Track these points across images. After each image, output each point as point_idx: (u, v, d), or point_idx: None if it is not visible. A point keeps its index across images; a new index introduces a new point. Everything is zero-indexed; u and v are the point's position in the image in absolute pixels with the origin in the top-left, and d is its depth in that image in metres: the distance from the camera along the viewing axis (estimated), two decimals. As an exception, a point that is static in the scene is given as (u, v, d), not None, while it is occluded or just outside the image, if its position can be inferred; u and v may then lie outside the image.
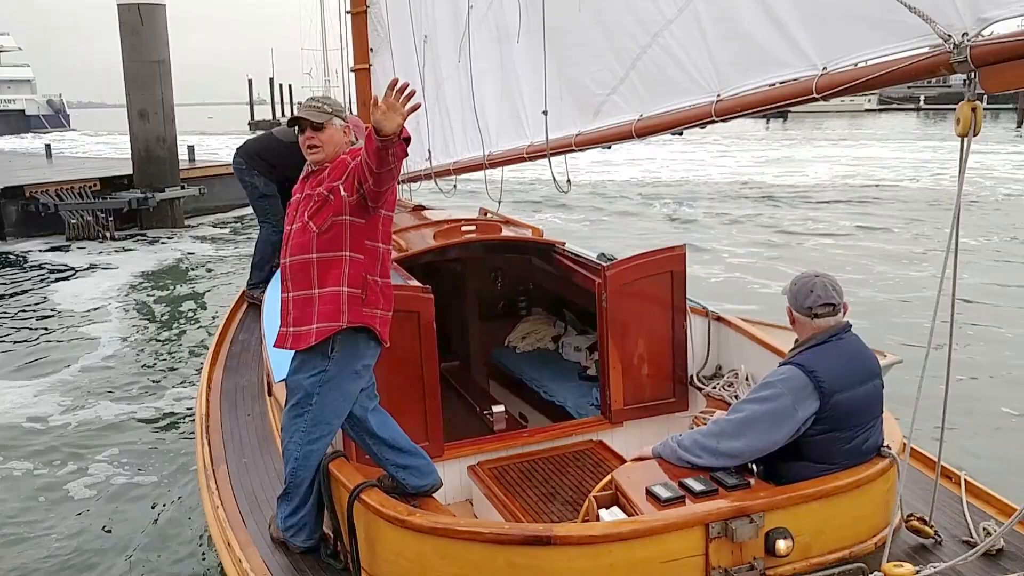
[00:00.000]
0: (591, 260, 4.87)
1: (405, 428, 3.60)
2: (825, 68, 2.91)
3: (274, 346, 3.31)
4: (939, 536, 3.15)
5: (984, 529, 3.16)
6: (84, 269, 13.57)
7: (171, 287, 12.35)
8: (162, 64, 16.28)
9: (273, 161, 6.53)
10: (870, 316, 9.34)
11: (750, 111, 3.35)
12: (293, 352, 3.25)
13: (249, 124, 69.77)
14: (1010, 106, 65.79)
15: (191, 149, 19.45)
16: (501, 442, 4.34)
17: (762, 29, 3.16)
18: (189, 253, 14.47)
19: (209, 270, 13.40)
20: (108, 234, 15.50)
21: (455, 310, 5.94)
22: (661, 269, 4.46)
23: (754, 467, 3.02)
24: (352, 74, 7.28)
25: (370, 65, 6.98)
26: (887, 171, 26.31)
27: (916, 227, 16.22)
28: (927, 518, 3.19)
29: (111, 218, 15.67)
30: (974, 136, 2.32)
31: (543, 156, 4.75)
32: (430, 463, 3.55)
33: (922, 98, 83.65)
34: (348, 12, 7.13)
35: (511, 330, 5.81)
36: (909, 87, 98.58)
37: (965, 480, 3.53)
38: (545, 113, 4.63)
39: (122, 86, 16.01)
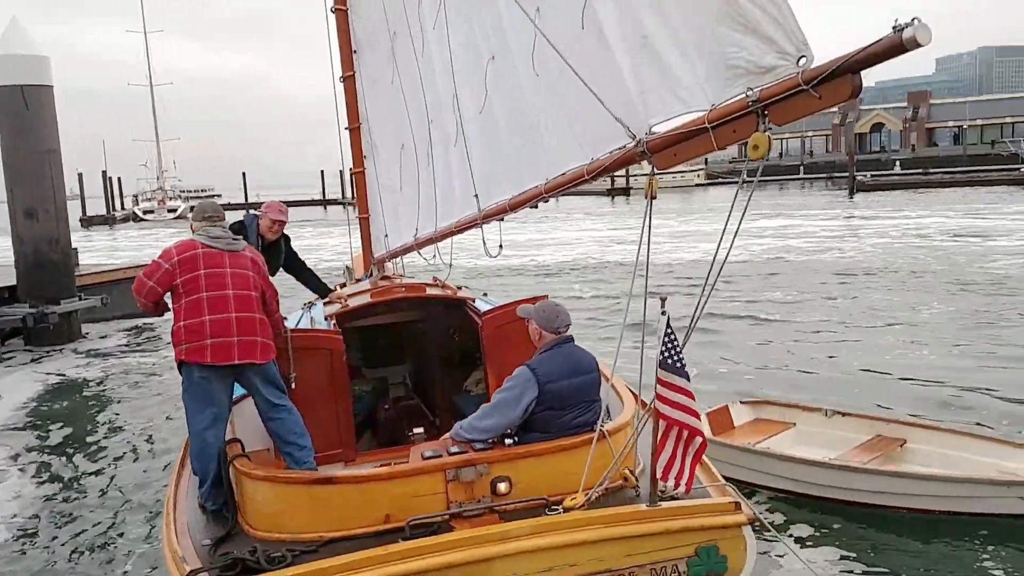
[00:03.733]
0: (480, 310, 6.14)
1: (320, 436, 5.26)
2: (547, 179, 4.54)
3: None
4: (638, 488, 4.16)
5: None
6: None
7: (79, 418, 9.86)
8: (52, 154, 13.94)
9: None
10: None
11: (522, 204, 4.93)
12: None
13: (81, 220, 64.77)
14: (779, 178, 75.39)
15: (75, 252, 16.70)
16: (405, 451, 5.08)
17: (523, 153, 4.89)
18: (94, 374, 11.92)
19: (135, 387, 11.00)
20: (-4, 356, 12.75)
21: (428, 363, 7.11)
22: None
23: (508, 440, 4.31)
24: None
25: (363, 169, 8.42)
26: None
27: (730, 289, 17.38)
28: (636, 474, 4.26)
29: (-1, 339, 12.96)
30: (652, 199, 3.61)
31: (476, 225, 5.75)
32: (304, 455, 4.92)
33: (744, 172, 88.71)
34: (346, 128, 8.35)
35: (468, 377, 6.63)
36: (731, 161, 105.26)
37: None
38: (476, 196, 5.64)
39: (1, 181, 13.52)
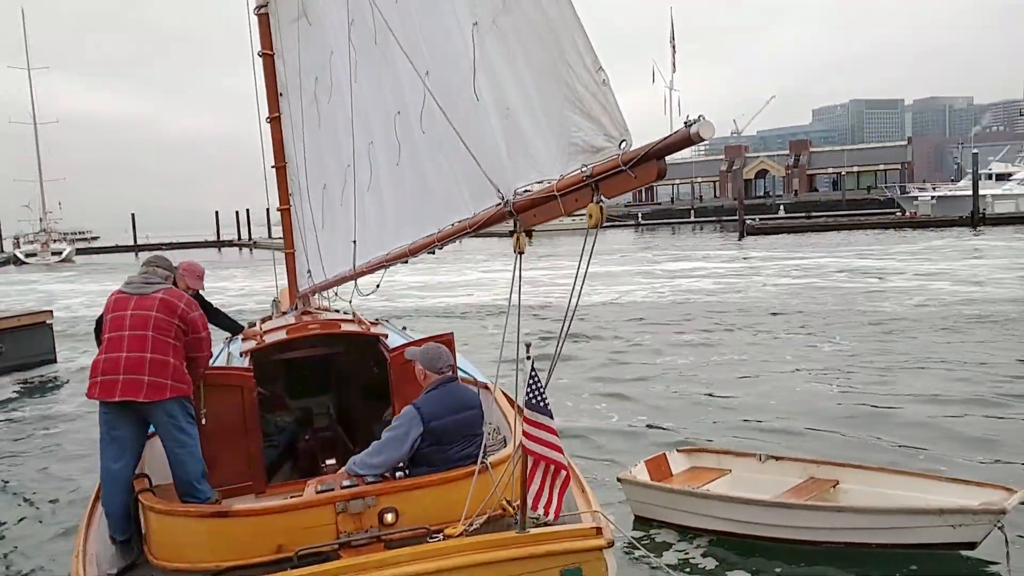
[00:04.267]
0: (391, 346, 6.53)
1: (232, 469, 5.65)
2: (439, 229, 5.03)
3: None
4: (516, 517, 4.19)
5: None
6: None
7: None
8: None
9: None
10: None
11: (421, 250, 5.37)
12: None
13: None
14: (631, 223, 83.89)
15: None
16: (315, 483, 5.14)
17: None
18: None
19: (50, 436, 10.38)
20: None
21: (351, 393, 7.32)
22: None
23: (399, 473, 4.72)
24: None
25: (289, 207, 8.82)
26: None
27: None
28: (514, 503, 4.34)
29: None
30: (520, 253, 3.94)
31: (382, 267, 6.22)
32: (198, 495, 5.09)
33: (639, 215, 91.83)
34: (272, 167, 8.72)
35: (388, 408, 6.58)
36: (627, 205, 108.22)
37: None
38: (354, 242, 6.56)
39: None
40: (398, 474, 4.70)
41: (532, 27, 3.61)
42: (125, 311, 5.27)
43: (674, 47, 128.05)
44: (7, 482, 9.16)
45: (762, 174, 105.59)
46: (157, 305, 5.29)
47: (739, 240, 53.30)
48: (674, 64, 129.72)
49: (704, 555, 6.60)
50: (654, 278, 29.51)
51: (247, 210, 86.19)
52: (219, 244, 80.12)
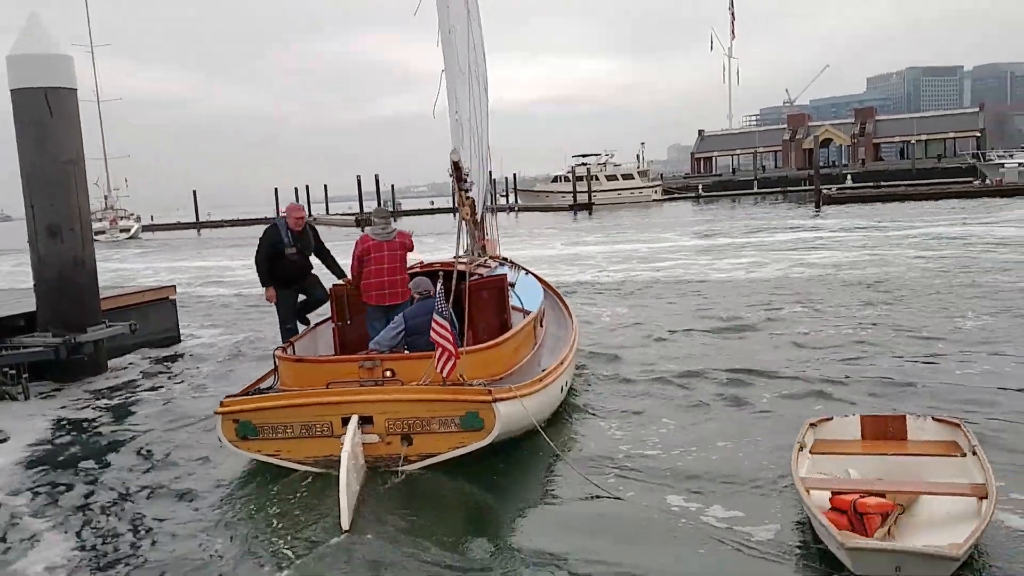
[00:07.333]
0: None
1: None
2: None
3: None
4: (462, 379, 7.21)
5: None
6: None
7: (141, 463, 8.04)
8: (76, 165, 12.39)
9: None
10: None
11: None
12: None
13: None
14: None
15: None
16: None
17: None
18: (128, 411, 10.36)
19: (184, 422, 9.54)
20: (22, 395, 11.11)
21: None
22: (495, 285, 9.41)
23: (405, 350, 8.29)
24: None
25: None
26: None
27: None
28: None
29: (24, 374, 11.28)
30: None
31: None
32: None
33: (700, 186, 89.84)
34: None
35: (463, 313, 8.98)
36: (685, 176, 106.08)
37: None
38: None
39: (15, 194, 12.03)
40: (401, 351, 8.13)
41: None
42: (382, 252, 9.10)
43: (733, 14, 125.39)
44: (177, 464, 8.27)
45: (826, 143, 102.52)
46: (396, 245, 9.21)
47: (816, 210, 51.35)
48: (732, 31, 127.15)
49: None
50: (770, 251, 27.47)
51: (307, 187, 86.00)
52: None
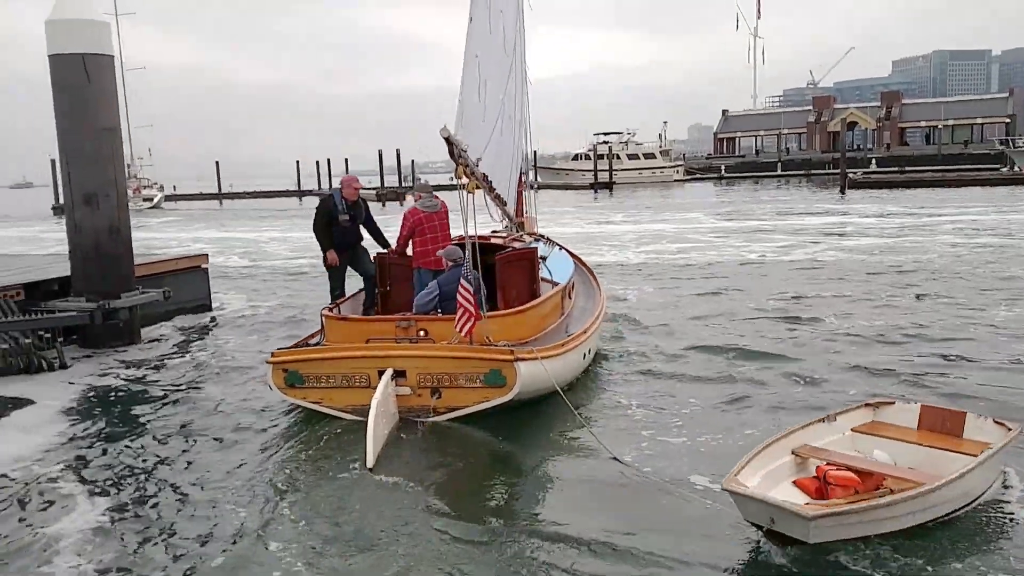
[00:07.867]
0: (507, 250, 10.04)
1: None
2: None
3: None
4: (488, 340, 8.24)
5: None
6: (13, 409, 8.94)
7: (158, 430, 8.11)
8: (112, 133, 12.38)
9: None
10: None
11: None
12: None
13: (53, 208, 62.34)
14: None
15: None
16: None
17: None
18: (174, 375, 10.42)
19: (198, 388, 9.69)
20: (57, 361, 11.17)
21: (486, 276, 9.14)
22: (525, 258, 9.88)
23: (437, 311, 9.01)
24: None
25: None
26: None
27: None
28: None
29: (59, 339, 11.34)
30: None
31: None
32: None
33: (723, 167, 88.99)
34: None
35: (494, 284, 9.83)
36: (707, 157, 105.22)
37: None
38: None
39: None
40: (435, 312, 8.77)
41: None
42: (433, 222, 9.91)
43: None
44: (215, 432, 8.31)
45: (851, 126, 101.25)
46: (443, 215, 10.04)
47: (841, 194, 50.64)
48: (759, 11, 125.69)
49: None
50: (804, 235, 26.98)
51: (328, 160, 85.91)
52: (300, 193, 79.78)
